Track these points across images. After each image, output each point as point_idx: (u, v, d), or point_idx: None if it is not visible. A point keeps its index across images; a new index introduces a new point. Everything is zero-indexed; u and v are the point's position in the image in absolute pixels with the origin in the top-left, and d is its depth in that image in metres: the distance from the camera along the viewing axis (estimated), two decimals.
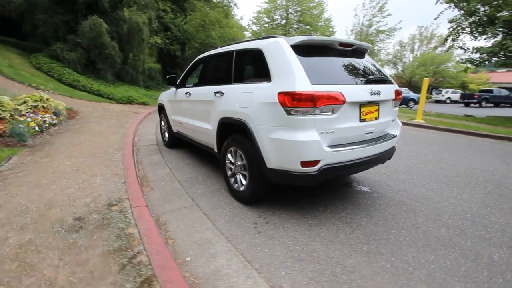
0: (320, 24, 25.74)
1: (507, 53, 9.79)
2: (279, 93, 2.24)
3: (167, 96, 4.84)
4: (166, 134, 5.17)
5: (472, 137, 7.43)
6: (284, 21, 27.06)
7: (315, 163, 2.22)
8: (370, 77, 2.59)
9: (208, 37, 19.70)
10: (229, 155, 2.98)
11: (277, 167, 2.36)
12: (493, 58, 10.49)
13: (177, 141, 5.04)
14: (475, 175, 3.99)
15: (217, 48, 3.66)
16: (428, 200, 3.07)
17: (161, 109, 5.24)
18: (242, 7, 58.01)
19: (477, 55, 10.37)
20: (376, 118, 2.59)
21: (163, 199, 2.98)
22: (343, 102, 2.25)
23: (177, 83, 4.35)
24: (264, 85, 2.44)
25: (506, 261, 2.05)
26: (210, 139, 3.37)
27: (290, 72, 2.26)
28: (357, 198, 3.07)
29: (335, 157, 2.28)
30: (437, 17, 11.03)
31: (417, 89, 27.23)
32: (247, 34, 28.83)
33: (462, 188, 3.46)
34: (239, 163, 2.83)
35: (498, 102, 21.56)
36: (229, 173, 3.04)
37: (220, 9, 20.55)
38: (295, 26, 26.36)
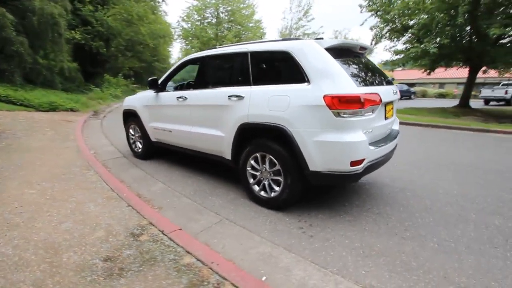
0: (251, 25, 26.40)
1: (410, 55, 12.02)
2: (326, 96, 2.25)
3: (141, 101, 4.26)
4: (139, 144, 4.56)
5: (412, 126, 8.81)
6: (215, 20, 26.77)
7: (361, 161, 2.34)
8: (389, 78, 2.85)
9: (137, 34, 17.99)
10: (252, 162, 2.85)
11: (323, 169, 2.38)
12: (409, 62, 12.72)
13: (154, 151, 4.50)
14: (430, 158, 4.82)
15: (213, 48, 3.42)
16: (420, 183, 3.58)
17: (130, 116, 4.59)
18: (168, 2, 54.67)
19: (396, 57, 12.46)
20: (391, 116, 2.87)
21: (183, 217, 2.63)
22: (380, 102, 2.42)
23: (158, 86, 3.87)
24: (302, 87, 2.41)
25: (505, 225, 2.57)
26: (219, 146, 3.14)
27: (335, 74, 2.30)
28: (366, 190, 3.34)
29: (374, 154, 2.45)
30: (363, 24, 12.80)
31: None
32: (176, 31, 27.48)
33: (433, 170, 4.14)
34: (268, 169, 2.73)
35: (401, 95, 26.27)
36: (252, 180, 2.90)
37: (145, 3, 18.94)
38: (227, 25, 26.39)
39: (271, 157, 2.65)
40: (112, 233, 2.21)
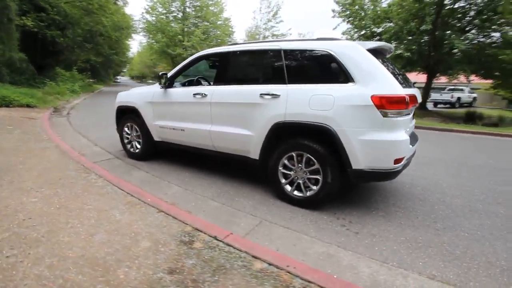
0: (219, 22, 25.98)
1: None
2: (374, 96, 2.32)
3: (143, 97, 3.91)
4: (136, 144, 4.20)
5: None
6: (181, 14, 25.78)
7: (402, 159, 2.46)
8: (413, 81, 3.02)
9: (97, 24, 16.51)
10: (285, 161, 2.81)
11: (366, 167, 2.45)
12: None
13: (154, 152, 4.19)
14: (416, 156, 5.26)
15: (235, 43, 3.28)
16: (422, 178, 3.88)
17: (126, 113, 4.20)
18: None
19: None
20: (413, 117, 3.06)
21: (219, 221, 2.48)
22: (418, 103, 2.56)
23: (167, 82, 3.60)
24: (347, 87, 2.45)
25: (510, 213, 2.91)
26: (245, 146, 3.04)
27: (381, 75, 2.38)
28: (381, 186, 3.52)
29: (410, 152, 2.59)
30: (335, 28, 13.47)
31: None
32: (139, 24, 25.89)
33: (426, 166, 4.53)
34: (304, 169, 2.71)
35: None
36: (284, 180, 2.87)
37: None
38: (194, 21, 25.61)
39: (310, 156, 2.64)
40: (160, 242, 2.00)
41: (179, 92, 3.57)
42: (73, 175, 3.27)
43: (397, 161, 2.42)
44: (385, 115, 2.33)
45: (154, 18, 24.61)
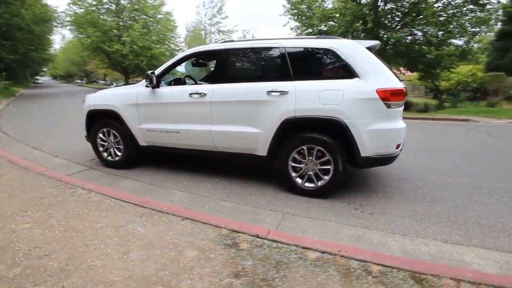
0: (159, 16, 24.47)
1: None
2: (378, 90, 2.58)
3: (125, 99, 3.55)
4: (116, 151, 3.81)
5: None
6: (114, 6, 23.51)
7: (400, 144, 2.79)
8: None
9: (16, 16, 14.04)
10: (295, 156, 2.92)
11: (373, 154, 2.71)
12: None
13: (138, 158, 3.87)
14: None
15: (231, 41, 3.22)
16: (399, 162, 4.41)
17: (101, 118, 3.76)
18: None
19: None
20: None
21: (245, 220, 2.48)
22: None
23: (158, 81, 3.35)
24: (354, 83, 2.65)
25: (472, 182, 3.55)
26: (251, 143, 3.05)
27: (383, 71, 2.65)
28: (366, 171, 3.89)
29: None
30: (285, 25, 13.98)
31: None
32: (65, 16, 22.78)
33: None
34: (315, 161, 2.86)
35: None
36: (294, 174, 2.98)
37: None
38: (132, 14, 23.64)
39: (320, 148, 2.80)
40: (205, 249, 1.92)
41: (171, 92, 3.36)
42: (55, 192, 2.83)
43: (397, 146, 2.75)
44: (388, 106, 2.61)
45: (83, 10, 21.88)
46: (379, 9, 12.03)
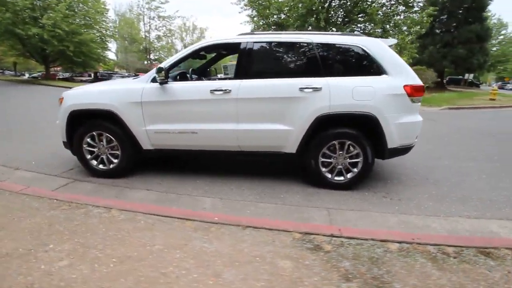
0: None
1: None
2: (405, 86, 2.79)
3: (124, 96, 3.03)
4: (110, 158, 3.27)
5: None
6: None
7: (417, 135, 3.10)
8: None
9: None
10: (326, 151, 2.97)
11: (399, 145, 2.94)
12: None
13: (136, 163, 3.40)
14: None
15: (251, 33, 3.01)
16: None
17: (90, 119, 3.16)
18: None
19: None
20: None
21: (298, 220, 2.44)
22: None
23: (168, 76, 2.95)
24: (384, 79, 2.80)
25: (476, 165, 4.16)
26: (281, 141, 2.99)
27: (405, 68, 2.86)
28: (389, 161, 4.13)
29: None
30: (241, 12, 13.66)
31: None
32: None
33: None
34: (345, 154, 2.96)
35: None
36: (324, 169, 3.03)
37: None
38: None
39: (351, 142, 2.91)
40: (296, 257, 1.83)
41: (187, 88, 3.01)
42: (62, 215, 2.30)
43: (416, 137, 3.04)
44: (412, 101, 2.86)
45: None
46: (327, 4, 12.81)
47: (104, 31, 23.65)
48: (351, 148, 2.95)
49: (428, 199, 2.94)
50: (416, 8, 13.09)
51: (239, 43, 3.00)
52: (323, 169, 3.04)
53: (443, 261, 1.86)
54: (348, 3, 13.11)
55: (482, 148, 5.11)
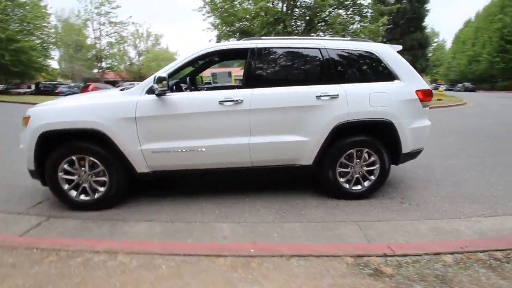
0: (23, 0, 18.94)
1: None
2: (417, 91, 2.79)
3: (114, 111, 2.55)
4: (95, 186, 2.73)
5: None
6: None
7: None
8: None
9: None
10: (344, 160, 2.84)
11: (411, 150, 2.93)
12: None
13: (127, 189, 2.91)
14: None
15: (259, 38, 2.76)
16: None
17: (74, 139, 2.60)
18: None
19: None
20: None
21: (324, 238, 2.25)
22: None
23: (167, 87, 2.54)
24: (397, 84, 2.77)
25: (462, 162, 4.36)
26: (296, 153, 2.79)
27: (415, 73, 2.87)
28: None
29: None
30: (205, 19, 13.25)
31: None
32: None
33: None
34: (362, 163, 2.86)
35: None
36: (342, 180, 2.89)
37: None
38: None
39: (368, 150, 2.82)
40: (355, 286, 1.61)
41: (190, 99, 2.65)
42: (54, 272, 1.76)
43: (425, 140, 3.08)
44: (424, 105, 2.88)
45: None
46: (290, 13, 13.14)
47: (45, 38, 21.17)
48: (367, 156, 2.86)
49: (442, 201, 2.96)
50: (369, 18, 14.10)
51: (247, 49, 2.73)
52: (341, 179, 2.90)
53: (501, 268, 1.80)
54: (308, 13, 13.61)
55: (456, 146, 5.50)
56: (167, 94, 2.62)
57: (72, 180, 2.69)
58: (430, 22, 61.15)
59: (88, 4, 22.36)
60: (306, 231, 2.39)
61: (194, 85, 3.59)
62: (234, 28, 12.56)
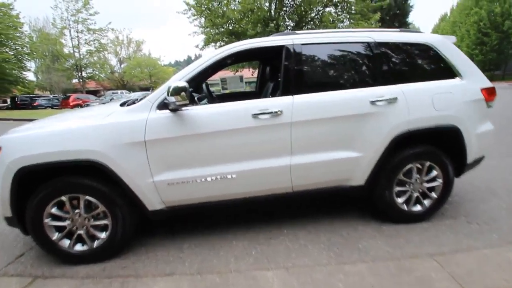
0: None
1: None
2: (482, 89, 2.33)
3: (116, 135, 1.94)
4: (94, 233, 2.10)
5: None
6: None
7: None
8: None
9: None
10: (402, 177, 2.34)
11: (475, 159, 2.47)
12: None
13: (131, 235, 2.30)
14: None
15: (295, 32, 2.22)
16: None
17: (64, 174, 1.97)
18: None
19: None
20: None
21: (409, 283, 1.74)
22: None
23: (188, 100, 1.95)
24: (459, 82, 2.29)
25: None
26: (347, 172, 2.27)
27: (477, 69, 2.41)
28: None
29: None
30: (192, 22, 12.59)
31: (135, 90, 28.50)
32: None
33: None
34: (424, 178, 2.37)
35: None
36: (399, 200, 2.39)
37: None
38: None
39: (430, 163, 2.33)
40: None
41: (217, 113, 2.05)
42: None
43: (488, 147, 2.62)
44: (488, 106, 2.42)
45: None
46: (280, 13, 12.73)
47: (19, 49, 19.80)
48: (428, 170, 2.37)
49: (507, 216, 2.51)
50: (358, 15, 13.89)
51: (282, 46, 2.18)
52: (398, 200, 2.40)
53: None
54: (298, 11, 13.25)
55: None
56: (183, 108, 2.03)
57: (64, 227, 2.05)
58: (411, 19, 63.14)
59: (64, 12, 21.02)
60: (377, 275, 1.86)
61: (210, 95, 3.01)
62: (223, 29, 11.98)
